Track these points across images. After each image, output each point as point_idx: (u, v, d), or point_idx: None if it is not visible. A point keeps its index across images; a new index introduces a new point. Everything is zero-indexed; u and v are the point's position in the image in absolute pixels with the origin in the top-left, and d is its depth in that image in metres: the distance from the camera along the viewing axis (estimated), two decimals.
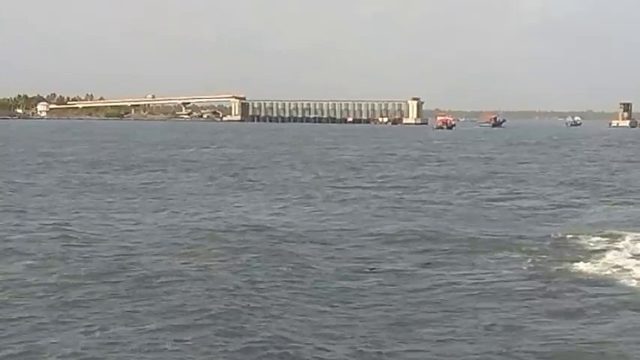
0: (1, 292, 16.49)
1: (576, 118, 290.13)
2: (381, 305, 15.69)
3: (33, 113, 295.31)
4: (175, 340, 12.99)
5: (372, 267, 19.04)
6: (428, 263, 20.03)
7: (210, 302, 15.30)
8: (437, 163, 61.64)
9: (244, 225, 25.18)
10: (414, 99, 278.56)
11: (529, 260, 20.04)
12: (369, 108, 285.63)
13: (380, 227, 25.60)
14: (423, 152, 78.79)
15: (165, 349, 12.71)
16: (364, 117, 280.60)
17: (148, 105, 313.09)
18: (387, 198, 35.14)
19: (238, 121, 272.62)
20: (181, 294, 15.99)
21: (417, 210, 30.94)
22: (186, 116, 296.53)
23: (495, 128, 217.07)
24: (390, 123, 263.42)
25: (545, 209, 31.90)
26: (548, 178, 47.32)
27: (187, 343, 12.90)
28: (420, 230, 24.97)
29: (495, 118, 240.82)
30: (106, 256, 20.05)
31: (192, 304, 15.08)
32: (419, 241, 23.01)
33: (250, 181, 43.60)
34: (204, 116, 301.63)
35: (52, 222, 25.73)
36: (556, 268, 19.13)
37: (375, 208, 30.98)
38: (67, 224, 25.12)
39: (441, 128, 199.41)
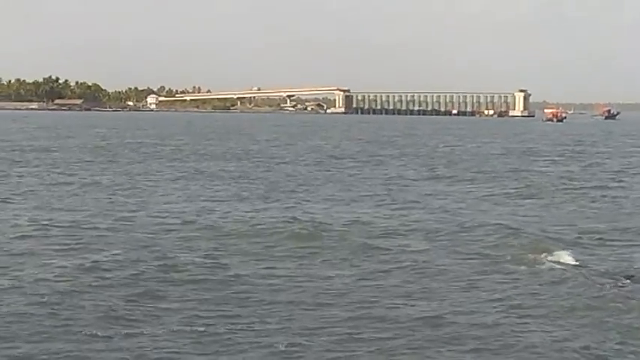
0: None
1: None
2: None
3: (143, 105, 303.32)
4: None
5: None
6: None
7: None
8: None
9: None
10: (521, 91, 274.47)
11: None
12: (474, 100, 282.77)
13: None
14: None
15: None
16: (469, 109, 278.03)
17: (254, 97, 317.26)
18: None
19: (342, 113, 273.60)
20: None
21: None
22: (291, 109, 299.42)
23: (609, 120, 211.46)
24: (495, 115, 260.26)
25: None
26: None
27: None
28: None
29: (609, 111, 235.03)
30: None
31: None
32: None
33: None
34: (309, 109, 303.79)
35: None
36: None
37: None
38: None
39: (551, 121, 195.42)
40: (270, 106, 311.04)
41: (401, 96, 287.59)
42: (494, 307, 14.66)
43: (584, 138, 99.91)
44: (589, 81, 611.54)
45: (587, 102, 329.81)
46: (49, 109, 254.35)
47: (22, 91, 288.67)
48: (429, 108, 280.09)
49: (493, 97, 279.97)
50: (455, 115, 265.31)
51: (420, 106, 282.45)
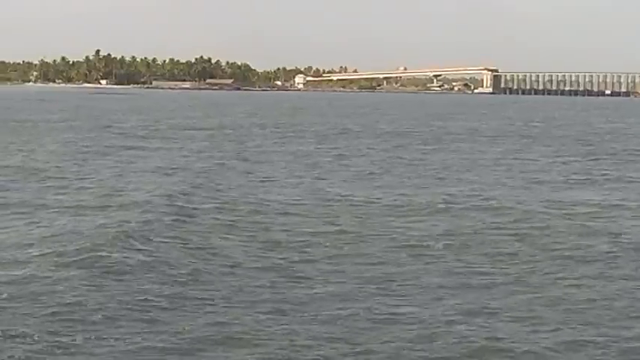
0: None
1: None
2: None
3: (291, 85, 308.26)
4: None
5: None
6: None
7: None
8: None
9: None
10: None
11: None
12: (629, 80, 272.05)
13: None
14: None
15: None
16: (623, 89, 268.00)
17: (399, 77, 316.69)
18: None
19: (489, 93, 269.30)
20: None
21: None
22: (437, 89, 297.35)
23: None
24: None
25: None
26: None
27: None
28: None
29: None
30: None
31: None
32: None
33: None
34: (455, 89, 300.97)
35: None
36: None
37: None
38: None
39: None
40: (415, 85, 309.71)
41: (551, 75, 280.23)
42: None
43: None
44: None
45: None
46: (200, 89, 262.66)
47: (175, 70, 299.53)
48: (581, 88, 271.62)
49: None
50: (608, 95, 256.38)
51: (571, 87, 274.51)
